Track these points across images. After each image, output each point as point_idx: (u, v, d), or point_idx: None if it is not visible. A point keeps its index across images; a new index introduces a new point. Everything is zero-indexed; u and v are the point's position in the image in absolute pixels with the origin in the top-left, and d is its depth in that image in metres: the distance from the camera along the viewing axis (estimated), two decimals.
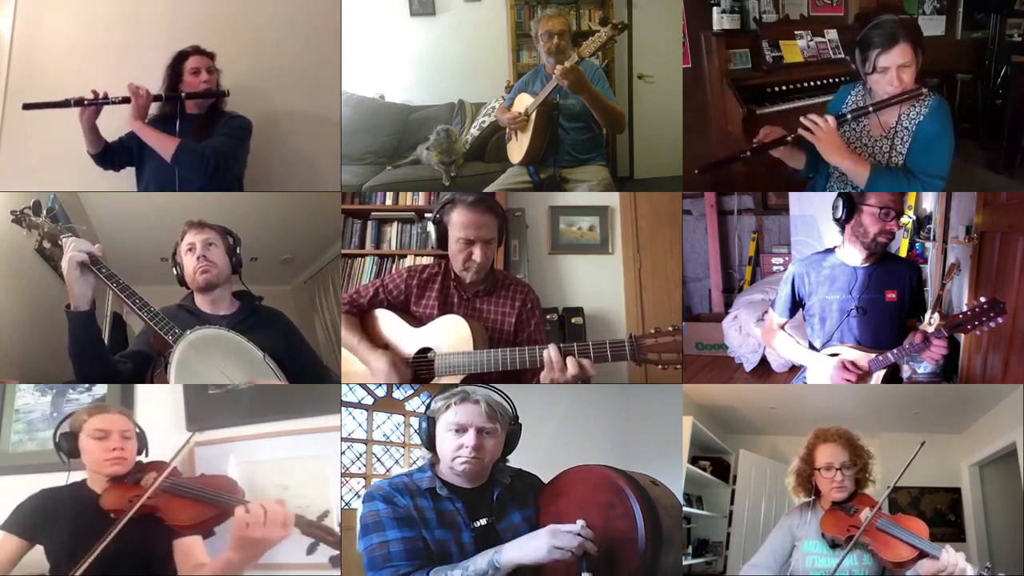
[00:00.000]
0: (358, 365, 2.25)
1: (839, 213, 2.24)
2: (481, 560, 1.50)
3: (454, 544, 1.57)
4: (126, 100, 2.55)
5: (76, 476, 2.06)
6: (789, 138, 2.31)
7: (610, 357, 1.97)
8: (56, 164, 2.56)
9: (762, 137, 2.38)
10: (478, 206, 2.14)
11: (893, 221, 2.18)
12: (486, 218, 2.14)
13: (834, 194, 2.28)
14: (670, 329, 1.94)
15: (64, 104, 2.53)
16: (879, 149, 2.29)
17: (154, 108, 2.65)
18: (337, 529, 1.96)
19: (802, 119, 2.27)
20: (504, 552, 1.50)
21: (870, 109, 2.25)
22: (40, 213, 2.23)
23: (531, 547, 1.48)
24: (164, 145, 2.55)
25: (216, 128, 2.66)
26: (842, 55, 3.41)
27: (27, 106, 2.55)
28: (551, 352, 1.95)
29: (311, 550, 1.94)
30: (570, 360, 1.93)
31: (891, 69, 2.18)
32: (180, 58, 2.68)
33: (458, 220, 2.15)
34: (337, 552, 1.96)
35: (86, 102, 2.54)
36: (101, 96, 2.55)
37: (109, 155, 2.71)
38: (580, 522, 1.49)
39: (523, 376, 2.11)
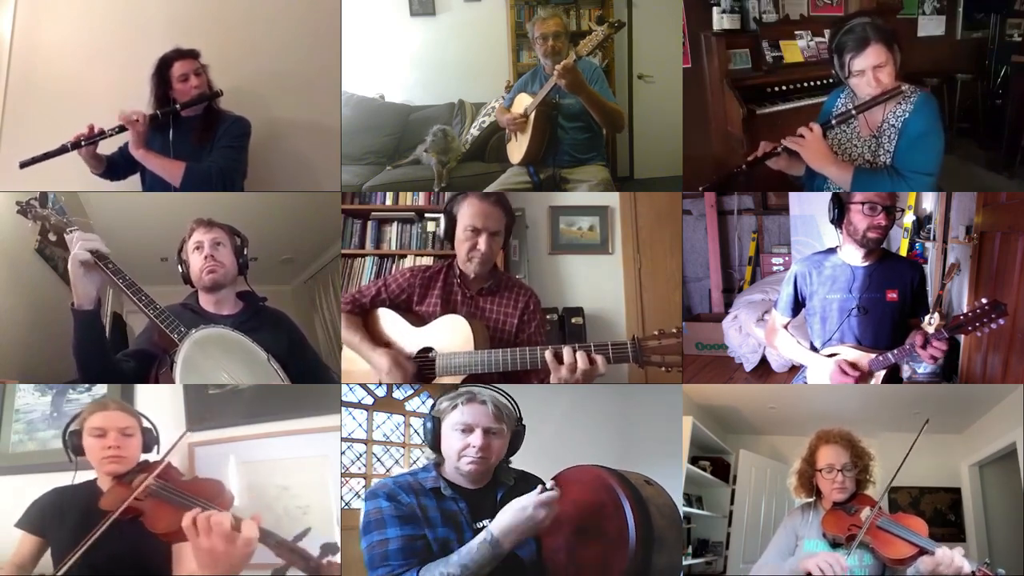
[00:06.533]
0: (358, 365, 2.25)
1: (832, 215, 2.26)
2: (474, 542, 1.50)
3: (456, 543, 1.56)
4: (123, 129, 2.53)
5: (89, 475, 2.02)
6: (779, 149, 2.32)
7: (612, 358, 1.96)
8: (56, 164, 2.54)
9: (756, 152, 2.39)
10: (488, 198, 2.21)
11: (880, 215, 2.17)
12: (495, 210, 2.19)
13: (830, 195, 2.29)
14: (673, 331, 1.94)
15: (62, 151, 2.51)
16: (868, 149, 2.29)
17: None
18: (317, 551, 1.79)
19: (785, 140, 2.28)
20: (495, 522, 1.50)
21: (853, 112, 2.26)
22: (47, 205, 2.18)
23: (518, 505, 1.49)
24: (170, 172, 2.55)
25: (216, 133, 2.63)
26: None
27: (24, 164, 2.50)
28: (564, 352, 1.94)
29: (279, 573, 1.78)
30: (579, 355, 1.92)
31: (867, 71, 2.19)
32: (164, 65, 2.63)
33: (467, 210, 2.18)
34: None
35: (83, 142, 2.52)
36: (96, 132, 2.53)
37: (113, 169, 2.70)
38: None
39: (526, 377, 2.10)
